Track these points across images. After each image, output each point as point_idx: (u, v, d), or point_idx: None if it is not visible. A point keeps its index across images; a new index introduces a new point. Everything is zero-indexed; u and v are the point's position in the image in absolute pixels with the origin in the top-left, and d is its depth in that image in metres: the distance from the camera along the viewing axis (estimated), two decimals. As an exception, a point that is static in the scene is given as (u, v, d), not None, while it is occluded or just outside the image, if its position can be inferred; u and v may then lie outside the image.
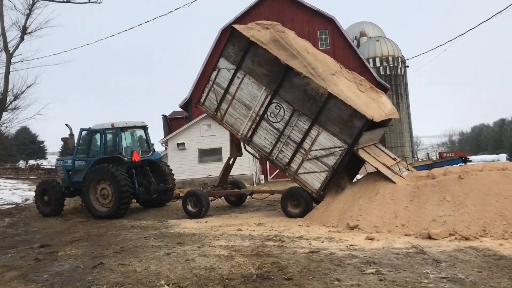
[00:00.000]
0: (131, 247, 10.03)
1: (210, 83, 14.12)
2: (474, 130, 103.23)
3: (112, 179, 14.82)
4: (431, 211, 10.18)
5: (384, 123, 13.65)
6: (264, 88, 13.18)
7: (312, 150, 12.55)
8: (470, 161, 29.86)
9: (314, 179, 12.58)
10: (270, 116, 13.16)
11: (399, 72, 41.40)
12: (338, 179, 13.09)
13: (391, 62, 40.98)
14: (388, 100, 13.46)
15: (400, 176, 11.98)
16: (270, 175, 29.85)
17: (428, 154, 38.65)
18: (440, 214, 9.95)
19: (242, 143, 14.16)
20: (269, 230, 11.25)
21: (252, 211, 14.71)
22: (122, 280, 7.34)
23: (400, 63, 41.23)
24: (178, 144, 24.79)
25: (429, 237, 9.21)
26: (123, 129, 15.95)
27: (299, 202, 12.82)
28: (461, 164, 28.15)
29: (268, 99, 13.12)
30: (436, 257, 7.71)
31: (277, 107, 13.02)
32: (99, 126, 15.97)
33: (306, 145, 12.66)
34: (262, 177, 26.77)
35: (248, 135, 13.53)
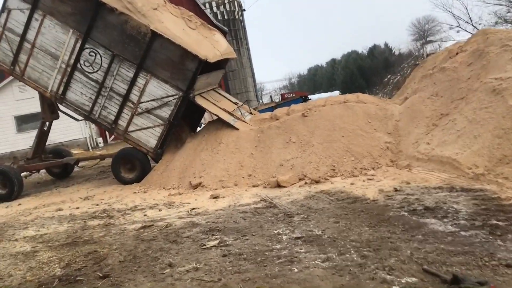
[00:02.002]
0: None
1: (0, 29, 10.94)
2: (310, 71, 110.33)
3: None
4: (277, 155, 9.21)
5: (221, 65, 12.23)
6: (71, 30, 10.58)
7: (142, 102, 10.59)
8: (310, 99, 30.86)
9: (149, 136, 10.72)
10: (85, 65, 10.71)
11: (237, 16, 40.49)
12: (177, 133, 11.45)
13: (227, 6, 39.75)
14: (222, 38, 11.98)
15: (243, 121, 10.80)
16: (110, 137, 26.94)
17: (271, 96, 39.20)
18: (287, 158, 9.03)
19: (55, 103, 11.48)
20: (97, 205, 9.22)
21: (80, 183, 12.35)
22: None
23: (237, 6, 40.25)
24: (-13, 112, 20.43)
25: (278, 185, 8.22)
26: None
27: (133, 165, 10.91)
28: (302, 102, 28.65)
29: (79, 45, 10.60)
30: (287, 209, 6.65)
31: (92, 53, 10.61)
32: None
33: (133, 97, 10.63)
34: (101, 140, 23.87)
35: (60, 92, 10.93)
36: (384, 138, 8.94)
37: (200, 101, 10.57)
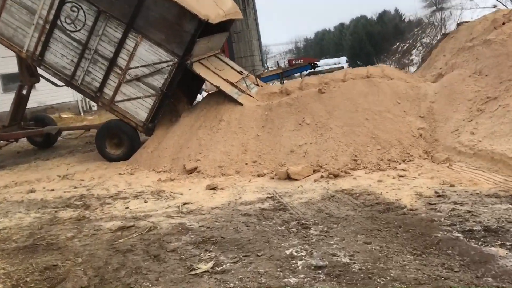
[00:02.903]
0: None
1: (-34, -25, 9.32)
2: (317, 35, 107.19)
3: None
4: (288, 139, 7.79)
5: (225, 27, 10.62)
6: (50, -20, 8.98)
7: (131, 68, 9.08)
8: (319, 66, 29.10)
9: (138, 108, 9.27)
10: (66, 22, 9.14)
11: (244, -26, 38.09)
12: (172, 105, 10.01)
13: (235, -38, 37.25)
14: (227, -5, 10.33)
15: (248, 94, 9.32)
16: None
17: (277, 62, 37.23)
18: (300, 143, 7.61)
19: (32, 64, 9.96)
20: (75, 187, 7.90)
21: (63, 155, 10.99)
22: None
23: (244, -37, 37.76)
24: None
25: (289, 177, 6.85)
26: None
27: (120, 140, 9.51)
28: (310, 70, 27.02)
29: (58, -2, 9.02)
30: (301, 215, 5.31)
31: (74, 8, 9.02)
32: None
33: (121, 62, 9.11)
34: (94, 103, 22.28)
35: (37, 52, 9.39)
36: (417, 123, 7.50)
37: (198, 69, 9.06)
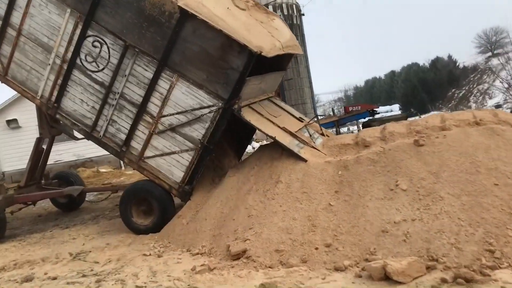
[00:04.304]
0: None
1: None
2: (367, 83, 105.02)
3: None
4: (376, 212, 5.44)
5: (282, 64, 8.65)
6: (69, 10, 7.39)
7: (165, 116, 7.18)
8: (378, 113, 26.66)
9: (173, 165, 7.28)
10: (87, 60, 7.46)
11: (295, 21, 37.00)
12: (214, 161, 7.99)
13: (285, 10, 36.35)
14: (284, 25, 8.39)
15: (313, 147, 7.12)
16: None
17: (332, 109, 35.26)
18: (396, 219, 5.23)
19: (46, 113, 8.28)
20: (83, 276, 5.85)
21: (85, 222, 9.09)
22: None
23: (295, 10, 36.80)
24: (8, 122, 17.90)
25: (387, 277, 4.45)
26: None
27: (150, 207, 7.48)
28: (370, 118, 24.64)
29: (79, 31, 7.38)
30: None
31: (97, 43, 7.34)
32: None
33: (153, 108, 7.24)
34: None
35: (53, 98, 7.73)
36: None
37: (248, 115, 7.01)
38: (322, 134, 8.00)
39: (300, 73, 34.49)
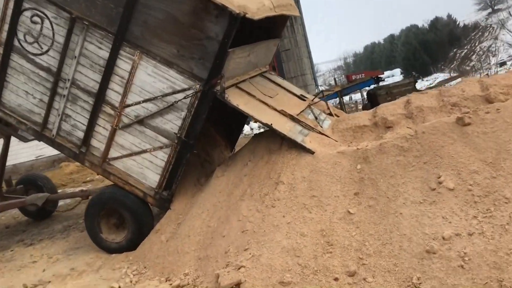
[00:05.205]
0: None
1: None
2: (366, 49, 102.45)
3: None
4: (416, 221, 3.95)
5: (275, 30, 7.04)
6: (-4, -22, 5.78)
7: (129, 106, 5.64)
8: (383, 80, 24.85)
9: (145, 167, 5.77)
10: (26, 40, 5.86)
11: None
12: (201, 155, 6.52)
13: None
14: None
15: (320, 132, 5.59)
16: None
17: (334, 79, 33.43)
18: (445, 232, 3.74)
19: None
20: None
21: (54, 236, 7.62)
22: None
23: (287, -24, 34.62)
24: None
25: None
26: None
27: (121, 219, 6.01)
28: (375, 85, 22.87)
29: (12, 3, 5.77)
30: None
31: (36, 17, 5.74)
32: None
33: (113, 97, 5.69)
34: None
35: (-10, 92, 6.19)
36: None
37: (236, 98, 5.45)
38: (330, 114, 6.45)
39: (298, 43, 32.58)
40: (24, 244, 7.46)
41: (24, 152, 16.52)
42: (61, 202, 9.26)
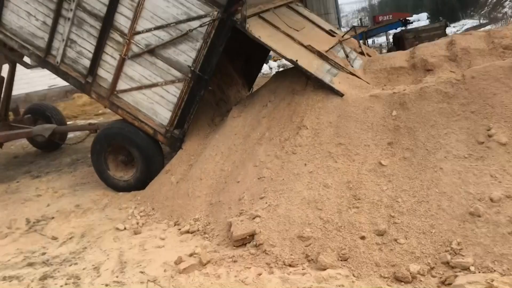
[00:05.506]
0: None
1: None
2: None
3: None
4: (458, 179, 3.47)
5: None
6: None
7: (139, 33, 5.08)
8: (411, 22, 23.54)
9: (156, 102, 5.30)
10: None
11: None
12: (216, 93, 6.02)
13: None
14: None
15: (351, 73, 5.01)
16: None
17: (360, 19, 31.91)
18: (495, 194, 3.26)
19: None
20: (29, 263, 4.18)
21: (61, 169, 7.35)
22: None
23: None
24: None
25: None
26: None
27: (130, 157, 5.63)
28: (402, 28, 21.65)
29: None
30: None
31: None
32: None
33: (122, 22, 5.13)
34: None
35: (-11, 11, 5.64)
36: None
37: (258, 29, 4.85)
38: (362, 53, 5.81)
39: (322, -21, 30.86)
40: (31, 176, 7.21)
41: (38, 81, 16.13)
42: (71, 134, 8.91)
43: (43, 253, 4.39)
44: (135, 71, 5.25)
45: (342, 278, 3.17)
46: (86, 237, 4.61)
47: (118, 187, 5.67)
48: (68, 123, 9.40)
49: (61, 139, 8.34)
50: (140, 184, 5.51)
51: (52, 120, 8.12)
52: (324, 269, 3.29)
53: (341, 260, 3.35)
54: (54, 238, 4.71)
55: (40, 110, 8.46)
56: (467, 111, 3.80)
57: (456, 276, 2.85)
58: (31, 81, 15.94)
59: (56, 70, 5.62)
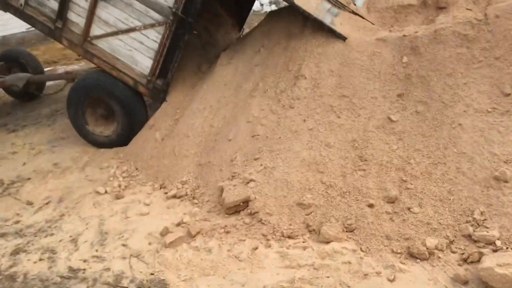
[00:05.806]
0: None
1: None
2: None
3: None
4: (480, 137, 3.04)
5: None
6: None
7: (112, -32, 4.40)
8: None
9: (135, 49, 4.71)
10: None
11: None
12: (203, 35, 5.41)
13: None
14: None
15: (353, 12, 4.41)
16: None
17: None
18: (522, 155, 2.84)
19: None
20: (2, 236, 3.80)
21: (39, 121, 6.83)
22: None
23: None
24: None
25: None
26: None
27: (109, 110, 5.12)
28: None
29: None
30: None
31: None
32: None
33: (91, -45, 4.43)
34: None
35: None
36: None
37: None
38: (365, -11, 5.16)
39: None
40: (7, 130, 6.70)
41: (15, 23, 15.00)
42: (50, 82, 8.29)
43: (17, 221, 4.00)
44: (110, 14, 4.62)
45: (348, 253, 2.82)
46: (64, 202, 4.20)
47: (98, 143, 5.21)
48: (47, 69, 8.77)
49: (38, 89, 7.74)
50: (122, 139, 5.04)
51: (27, 68, 7.49)
52: (328, 242, 2.92)
53: (346, 232, 2.98)
54: (30, 203, 4.30)
55: (13, 56, 7.77)
56: (490, 57, 3.30)
57: (480, 254, 2.49)
58: (7, 23, 14.85)
59: (20, 14, 4.97)
